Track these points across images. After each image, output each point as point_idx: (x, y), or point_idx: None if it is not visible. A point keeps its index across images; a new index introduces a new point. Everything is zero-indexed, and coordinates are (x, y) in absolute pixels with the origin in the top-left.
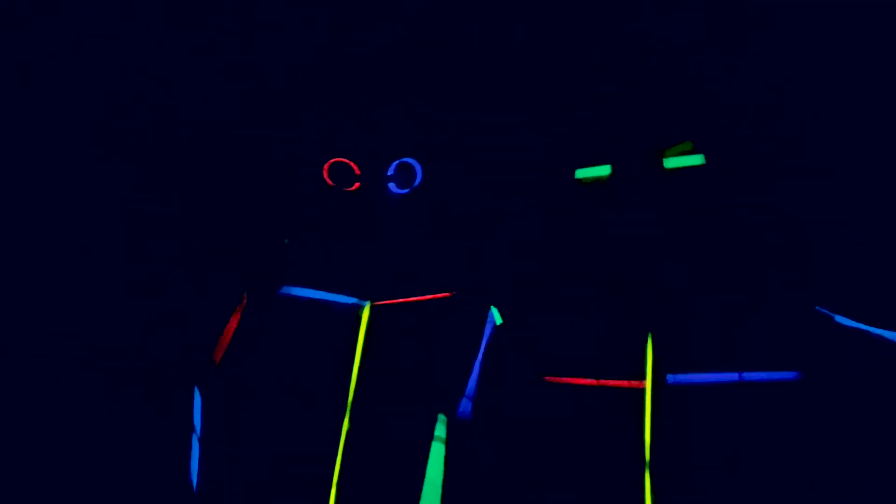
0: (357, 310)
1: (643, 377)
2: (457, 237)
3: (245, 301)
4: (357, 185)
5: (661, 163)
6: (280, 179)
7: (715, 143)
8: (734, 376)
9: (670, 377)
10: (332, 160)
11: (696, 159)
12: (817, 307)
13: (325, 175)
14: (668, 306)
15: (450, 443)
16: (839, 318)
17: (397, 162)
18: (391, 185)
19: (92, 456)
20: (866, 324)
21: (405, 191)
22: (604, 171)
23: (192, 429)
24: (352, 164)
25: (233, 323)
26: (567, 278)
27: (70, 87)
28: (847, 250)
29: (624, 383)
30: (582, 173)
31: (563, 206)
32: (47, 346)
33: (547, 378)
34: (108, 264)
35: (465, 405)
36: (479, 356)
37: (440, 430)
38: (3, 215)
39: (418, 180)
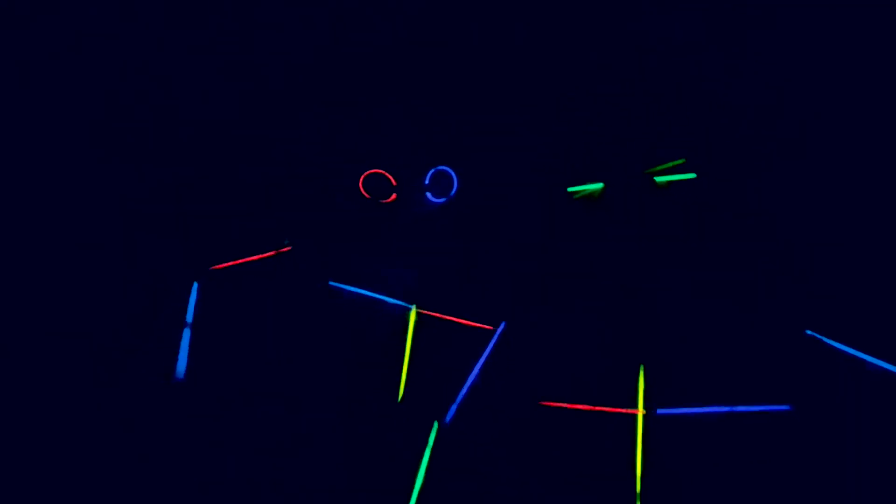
0: (404, 313)
1: (635, 405)
2: (455, 239)
3: (283, 249)
4: (394, 196)
5: (653, 180)
6: (280, 179)
7: (715, 144)
8: (725, 409)
9: (661, 410)
10: (368, 172)
11: (687, 175)
12: (807, 331)
13: (361, 187)
14: (661, 332)
15: (443, 463)
16: (829, 342)
17: (434, 170)
18: (428, 195)
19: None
20: (858, 349)
21: (442, 200)
22: (596, 186)
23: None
24: (388, 175)
25: (255, 258)
26: (562, 297)
27: (70, 86)
28: (845, 270)
29: (618, 410)
30: (575, 189)
31: (558, 218)
32: (46, 343)
33: (542, 403)
34: (108, 263)
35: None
36: (478, 366)
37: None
38: (3, 214)
39: (455, 189)
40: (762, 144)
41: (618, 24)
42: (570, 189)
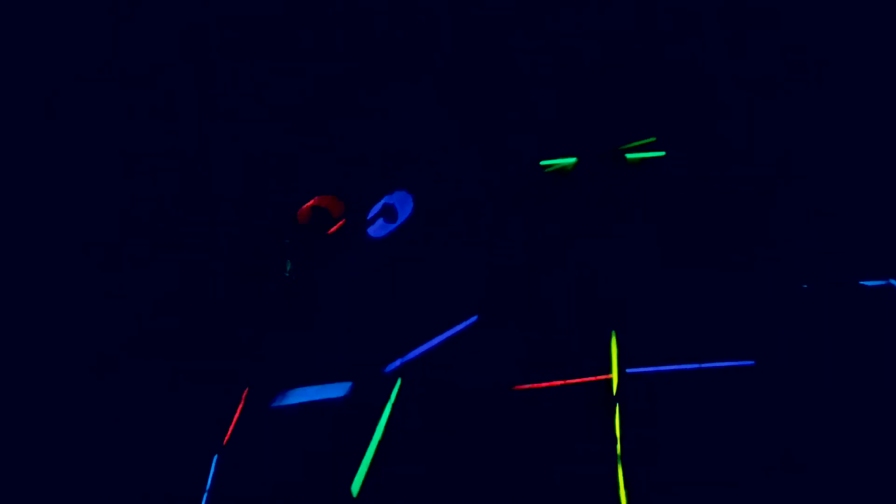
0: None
1: (607, 371)
2: (428, 236)
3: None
4: (342, 222)
5: (624, 157)
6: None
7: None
8: (693, 366)
9: (630, 370)
10: (311, 203)
11: (657, 153)
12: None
13: (302, 218)
14: (629, 298)
15: (423, 450)
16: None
17: (380, 204)
18: (371, 230)
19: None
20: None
21: (387, 231)
22: (568, 161)
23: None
24: (333, 205)
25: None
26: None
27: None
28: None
29: (590, 379)
30: (547, 162)
31: (530, 202)
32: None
33: (516, 387)
34: (99, 271)
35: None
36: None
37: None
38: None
39: (402, 219)
40: (730, 118)
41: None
42: (542, 163)
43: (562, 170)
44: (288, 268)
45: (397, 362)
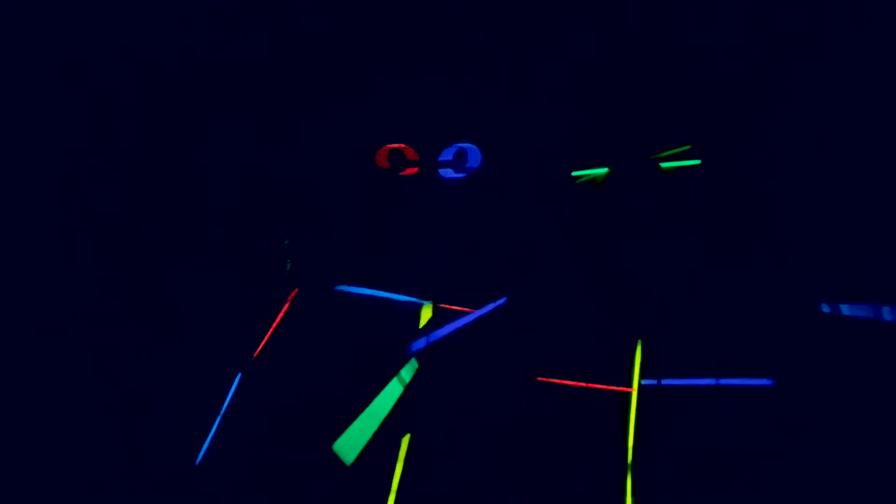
0: (417, 308)
1: (624, 379)
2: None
3: (293, 295)
4: (415, 169)
5: (658, 165)
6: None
7: (711, 145)
8: (711, 381)
9: (646, 381)
10: (389, 147)
11: (692, 161)
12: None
13: (381, 159)
14: (652, 310)
15: (436, 440)
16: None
17: (455, 147)
18: (445, 171)
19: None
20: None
21: (461, 175)
22: (600, 171)
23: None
24: (408, 149)
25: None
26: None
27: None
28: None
29: (612, 388)
30: (579, 173)
31: (561, 207)
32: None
33: (538, 378)
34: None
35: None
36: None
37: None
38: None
39: (477, 164)
40: (763, 133)
41: (627, 11)
42: (573, 174)
43: (593, 180)
44: (288, 267)
45: (422, 341)
